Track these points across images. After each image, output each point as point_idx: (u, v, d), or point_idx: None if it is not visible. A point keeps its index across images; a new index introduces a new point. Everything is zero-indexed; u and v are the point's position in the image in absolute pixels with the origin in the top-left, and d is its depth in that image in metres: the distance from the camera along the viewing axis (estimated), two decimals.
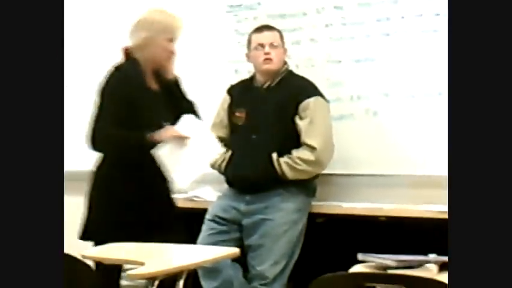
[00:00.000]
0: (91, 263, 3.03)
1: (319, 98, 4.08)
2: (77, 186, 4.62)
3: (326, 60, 4.39)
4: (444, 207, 3.90)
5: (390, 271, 3.03)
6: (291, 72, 4.19)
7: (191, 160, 3.72)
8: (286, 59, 4.20)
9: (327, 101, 4.14)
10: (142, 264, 2.97)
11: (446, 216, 3.76)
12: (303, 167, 4.00)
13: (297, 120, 4.04)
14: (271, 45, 4.10)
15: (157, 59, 3.75)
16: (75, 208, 3.83)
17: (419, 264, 3.09)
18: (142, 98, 3.70)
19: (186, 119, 3.76)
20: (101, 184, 3.74)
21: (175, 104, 3.80)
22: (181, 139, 3.67)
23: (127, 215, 3.64)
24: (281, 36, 4.16)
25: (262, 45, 4.10)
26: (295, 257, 4.05)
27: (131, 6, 4.85)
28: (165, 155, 3.66)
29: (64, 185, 2.42)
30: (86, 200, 3.77)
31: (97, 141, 3.68)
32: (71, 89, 4.87)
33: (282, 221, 4.01)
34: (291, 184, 4.04)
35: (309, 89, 4.10)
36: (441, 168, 4.03)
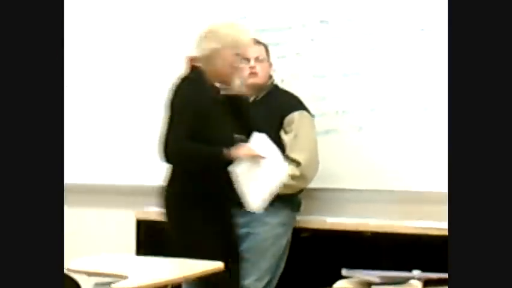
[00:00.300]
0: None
1: (304, 112, 4.07)
2: (77, 199, 4.64)
3: (311, 74, 4.38)
4: (430, 223, 3.91)
5: (374, 287, 3.02)
6: (276, 87, 4.19)
7: (262, 179, 3.72)
8: (272, 73, 4.20)
9: (312, 115, 4.13)
10: (125, 277, 2.96)
11: (431, 232, 3.81)
12: (288, 181, 3.98)
13: (282, 135, 4.04)
14: (257, 59, 4.09)
15: (221, 72, 3.74)
16: (75, 220, 3.83)
17: (403, 281, 3.08)
18: (213, 110, 3.67)
19: (257, 136, 3.75)
20: (174, 202, 3.75)
21: (240, 119, 3.81)
22: (256, 158, 3.68)
23: (202, 235, 3.65)
24: (267, 51, 4.16)
25: (247, 59, 4.10)
26: (280, 271, 4.05)
27: (131, 7, 4.86)
28: (239, 173, 3.65)
29: (63, 197, 2.41)
30: (164, 218, 3.78)
31: (170, 154, 3.67)
32: (72, 100, 4.87)
33: (266, 236, 4.00)
34: (276, 198, 4.02)
35: (294, 104, 4.10)
36: (426, 184, 4.04)
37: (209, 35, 3.76)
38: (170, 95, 3.75)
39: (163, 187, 3.80)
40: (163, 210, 3.81)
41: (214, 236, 3.69)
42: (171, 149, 3.67)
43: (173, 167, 3.75)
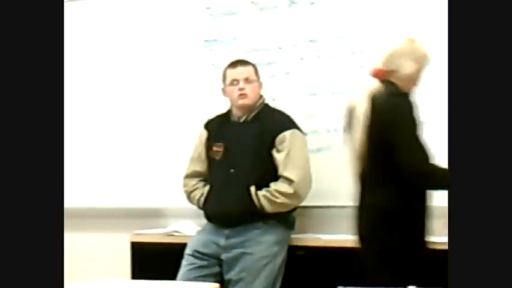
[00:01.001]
0: None
1: (295, 130, 4.09)
2: (76, 223, 4.63)
3: (302, 93, 4.41)
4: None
5: None
6: (267, 106, 4.21)
7: None
8: (262, 93, 4.22)
9: (304, 133, 4.15)
10: None
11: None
12: (282, 199, 4.00)
13: (274, 153, 4.05)
14: (246, 80, 4.12)
15: (410, 87, 3.56)
16: (68, 244, 3.79)
17: None
18: (419, 126, 3.47)
19: None
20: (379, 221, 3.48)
21: None
22: None
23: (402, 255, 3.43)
24: (256, 71, 4.18)
25: (236, 81, 4.12)
26: None
27: (131, 15, 4.90)
28: None
29: (63, 221, 2.41)
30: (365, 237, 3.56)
31: (415, 177, 3.39)
32: (72, 127, 4.88)
33: (261, 255, 4.00)
34: (270, 217, 4.04)
35: (285, 122, 4.12)
36: None
37: (408, 53, 3.55)
38: (376, 111, 3.46)
39: (365, 205, 3.58)
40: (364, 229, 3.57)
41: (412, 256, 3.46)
42: (415, 172, 3.38)
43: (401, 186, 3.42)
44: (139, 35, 4.84)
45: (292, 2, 4.45)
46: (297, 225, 4.20)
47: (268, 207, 4.01)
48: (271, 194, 4.00)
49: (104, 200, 4.86)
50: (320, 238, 4.23)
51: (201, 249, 4.12)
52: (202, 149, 4.26)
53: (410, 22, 4.17)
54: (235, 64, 4.19)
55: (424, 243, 3.48)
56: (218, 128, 4.24)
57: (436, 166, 3.40)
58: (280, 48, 4.46)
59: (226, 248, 4.06)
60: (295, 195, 4.03)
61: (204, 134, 4.28)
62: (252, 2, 4.54)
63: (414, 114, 3.44)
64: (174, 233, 4.50)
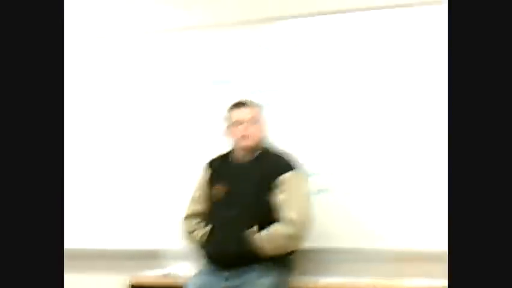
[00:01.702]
0: None
1: (297, 171, 4.08)
2: (76, 265, 4.60)
3: (302, 134, 4.41)
4: (423, 281, 3.90)
5: None
6: (269, 147, 4.21)
7: None
8: (265, 134, 4.21)
9: (306, 174, 4.14)
10: None
11: None
12: (282, 241, 3.98)
13: (275, 195, 4.04)
14: (249, 121, 4.12)
15: None
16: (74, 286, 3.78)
17: None
18: None
19: None
20: None
21: None
22: None
23: None
24: (260, 112, 4.19)
25: (240, 122, 4.12)
26: None
27: (137, 55, 4.91)
28: None
29: (63, 263, 2.40)
30: None
31: None
32: (72, 167, 4.88)
33: None
34: (269, 259, 4.01)
35: (287, 163, 4.11)
36: (419, 243, 4.04)
37: None
38: None
39: None
40: None
41: None
42: None
43: None
44: (145, 74, 4.86)
45: (296, 45, 4.47)
46: (295, 267, 4.17)
47: (268, 249, 3.98)
48: (272, 236, 3.98)
49: (103, 242, 4.84)
50: (317, 281, 4.20)
51: None
52: (203, 190, 4.25)
53: (412, 56, 4.19)
54: (238, 105, 4.19)
55: None
56: (220, 168, 4.23)
57: None
58: (282, 89, 4.47)
59: None
60: (295, 237, 4.00)
61: (206, 174, 4.27)
62: (259, 45, 4.56)
63: None
64: (172, 275, 4.47)
